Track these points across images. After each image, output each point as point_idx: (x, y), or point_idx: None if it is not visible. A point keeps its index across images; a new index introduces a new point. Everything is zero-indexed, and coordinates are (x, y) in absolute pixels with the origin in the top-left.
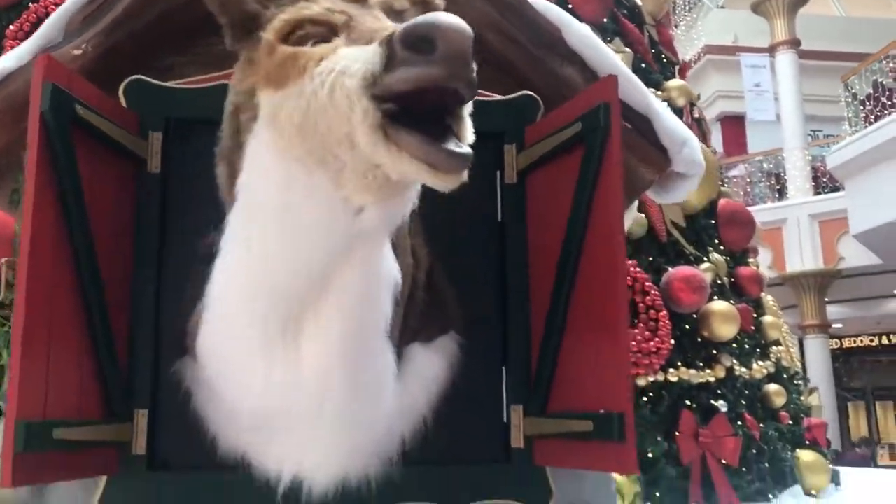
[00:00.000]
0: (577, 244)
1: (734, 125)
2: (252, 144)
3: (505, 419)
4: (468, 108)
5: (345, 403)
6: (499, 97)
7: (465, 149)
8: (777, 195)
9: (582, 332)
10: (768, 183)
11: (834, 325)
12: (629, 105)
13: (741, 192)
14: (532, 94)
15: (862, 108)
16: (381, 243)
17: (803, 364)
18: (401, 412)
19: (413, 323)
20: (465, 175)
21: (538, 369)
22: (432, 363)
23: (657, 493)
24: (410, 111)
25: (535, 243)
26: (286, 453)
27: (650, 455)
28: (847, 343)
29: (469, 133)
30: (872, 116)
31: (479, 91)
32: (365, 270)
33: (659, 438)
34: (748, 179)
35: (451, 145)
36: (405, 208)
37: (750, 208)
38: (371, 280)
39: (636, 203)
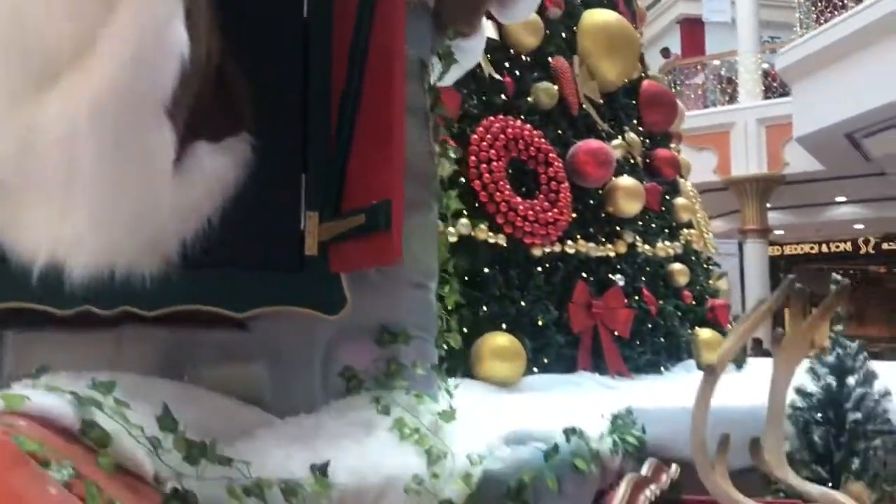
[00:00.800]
0: (363, 40)
1: (693, 28)
2: None
3: (302, 226)
4: None
5: (99, 176)
6: None
7: None
8: (728, 99)
9: (368, 133)
10: (720, 86)
11: (776, 232)
12: None
13: (692, 95)
14: None
15: (814, 8)
16: None
17: (741, 268)
18: (180, 210)
19: (198, 119)
20: None
21: (331, 174)
22: (218, 163)
23: (545, 360)
24: None
25: (339, 43)
26: (40, 232)
27: (540, 323)
28: (788, 250)
29: None
30: (823, 18)
31: None
32: (136, 28)
33: (550, 307)
34: (701, 82)
35: None
36: None
37: (698, 112)
38: (146, 41)
39: (483, 26)
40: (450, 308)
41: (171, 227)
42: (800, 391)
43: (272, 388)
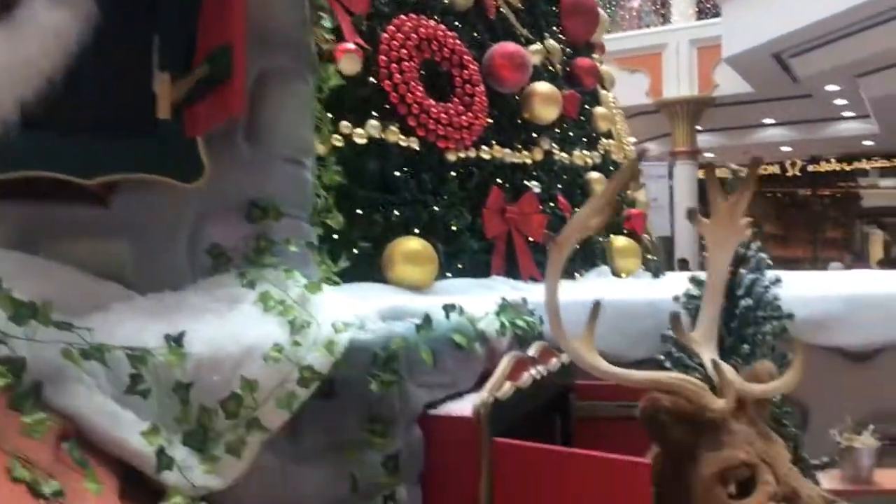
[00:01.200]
0: None
1: None
2: None
3: (154, 89)
4: None
5: None
6: None
7: None
8: (662, 21)
9: None
10: (654, 8)
11: (706, 154)
12: None
13: (627, 17)
14: None
15: None
16: None
17: (671, 191)
18: (13, 66)
19: None
20: None
21: (181, 32)
22: (56, 17)
23: (459, 265)
24: None
25: None
26: None
27: (454, 228)
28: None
29: None
30: None
31: None
32: None
33: (464, 212)
34: (637, 5)
35: None
36: None
37: (631, 32)
38: None
39: None
40: (329, 185)
41: (4, 84)
42: (693, 279)
43: (135, 265)
